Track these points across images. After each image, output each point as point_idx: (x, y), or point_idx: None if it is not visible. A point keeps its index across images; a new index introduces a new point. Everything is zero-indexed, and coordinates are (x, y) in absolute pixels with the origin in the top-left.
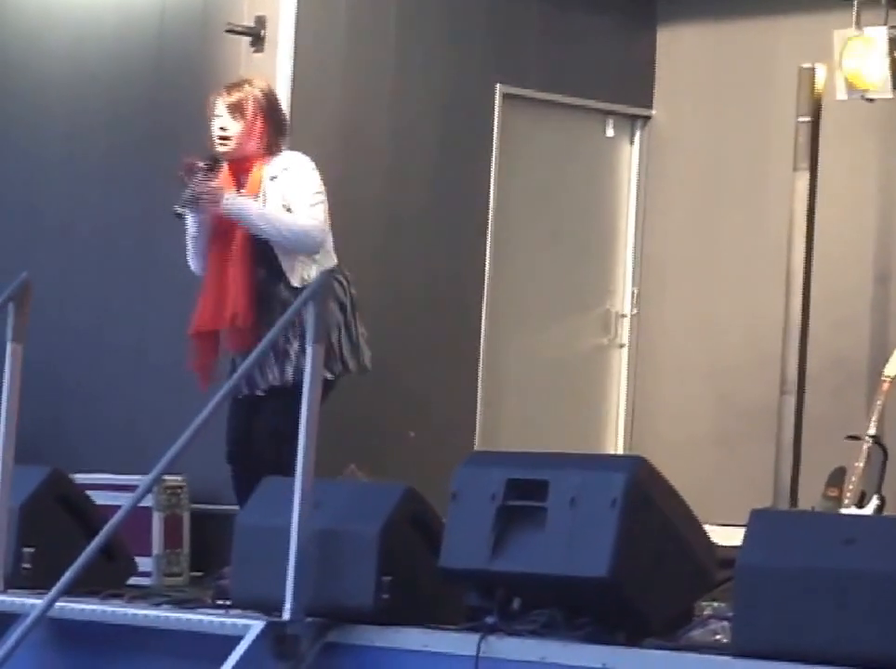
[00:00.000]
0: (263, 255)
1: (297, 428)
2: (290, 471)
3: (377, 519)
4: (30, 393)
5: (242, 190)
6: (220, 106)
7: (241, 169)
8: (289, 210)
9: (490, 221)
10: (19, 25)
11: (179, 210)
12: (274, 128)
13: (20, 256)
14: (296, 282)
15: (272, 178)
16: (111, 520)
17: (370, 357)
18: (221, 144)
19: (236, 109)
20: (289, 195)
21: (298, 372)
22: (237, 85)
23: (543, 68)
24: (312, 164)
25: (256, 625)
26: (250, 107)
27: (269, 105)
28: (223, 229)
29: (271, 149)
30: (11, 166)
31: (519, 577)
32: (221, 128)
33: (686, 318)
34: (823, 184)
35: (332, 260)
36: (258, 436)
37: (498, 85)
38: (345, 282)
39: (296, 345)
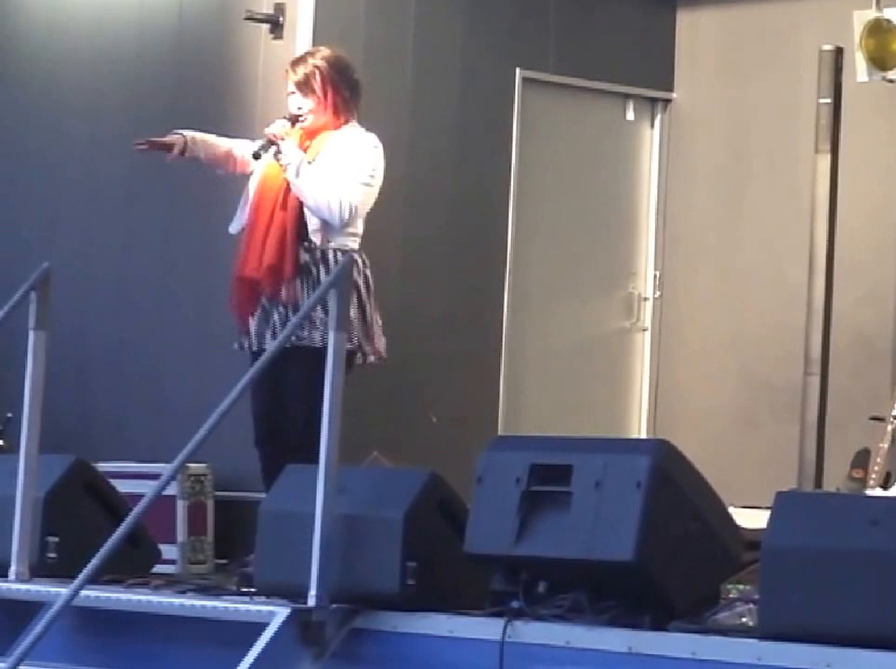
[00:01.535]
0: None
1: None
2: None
3: (402, 505)
4: (53, 381)
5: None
6: (290, 84)
7: (309, 135)
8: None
9: (511, 205)
10: (37, 15)
11: (256, 149)
12: (345, 96)
13: (42, 243)
14: (316, 240)
15: (334, 149)
16: (135, 508)
17: (385, 345)
18: (298, 121)
19: (304, 85)
20: (341, 167)
21: (325, 337)
22: (301, 60)
23: (562, 51)
24: (377, 148)
25: (281, 612)
26: (317, 81)
27: (335, 74)
28: (275, 189)
29: (344, 115)
30: (32, 154)
31: (544, 561)
32: (298, 107)
33: (709, 301)
34: (844, 165)
35: (354, 243)
36: (289, 394)
37: (518, 70)
38: (360, 264)
39: (321, 312)
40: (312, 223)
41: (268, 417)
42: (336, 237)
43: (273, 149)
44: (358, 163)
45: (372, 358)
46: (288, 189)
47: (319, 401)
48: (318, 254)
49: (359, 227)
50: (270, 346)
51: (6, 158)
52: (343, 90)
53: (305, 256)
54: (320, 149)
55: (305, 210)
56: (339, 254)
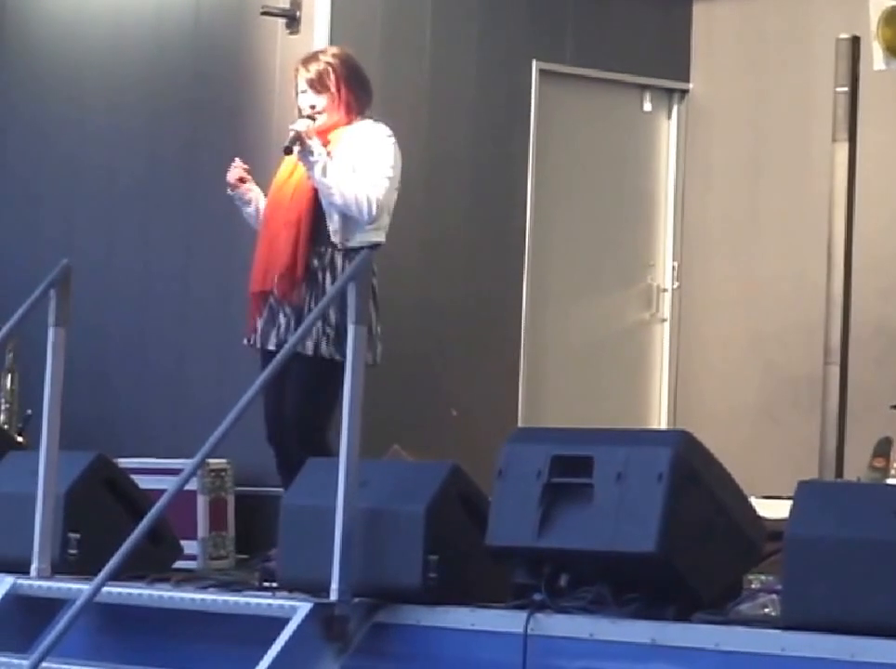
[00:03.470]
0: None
1: (327, 396)
2: (322, 437)
3: (423, 498)
4: (74, 378)
5: None
6: (302, 82)
7: (321, 134)
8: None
9: (528, 197)
10: (57, 14)
11: (287, 144)
12: (357, 94)
13: (62, 239)
14: (335, 240)
15: (349, 144)
16: (156, 504)
17: (381, 352)
18: (312, 119)
19: (318, 83)
20: (359, 163)
21: (330, 345)
22: (313, 58)
23: (579, 43)
24: (392, 138)
25: (303, 607)
26: (331, 79)
27: (348, 72)
28: (288, 192)
29: (356, 113)
30: (52, 150)
31: (566, 553)
32: (311, 106)
33: (727, 291)
34: (862, 154)
35: (379, 237)
36: (290, 397)
37: (535, 61)
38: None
39: (331, 318)
40: (333, 223)
41: (275, 416)
42: (356, 235)
43: (299, 146)
44: (377, 157)
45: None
46: (298, 195)
47: (311, 404)
48: (326, 259)
49: (384, 220)
50: (273, 345)
51: (27, 155)
52: (356, 89)
53: (314, 262)
54: (334, 146)
55: (325, 211)
56: (347, 260)
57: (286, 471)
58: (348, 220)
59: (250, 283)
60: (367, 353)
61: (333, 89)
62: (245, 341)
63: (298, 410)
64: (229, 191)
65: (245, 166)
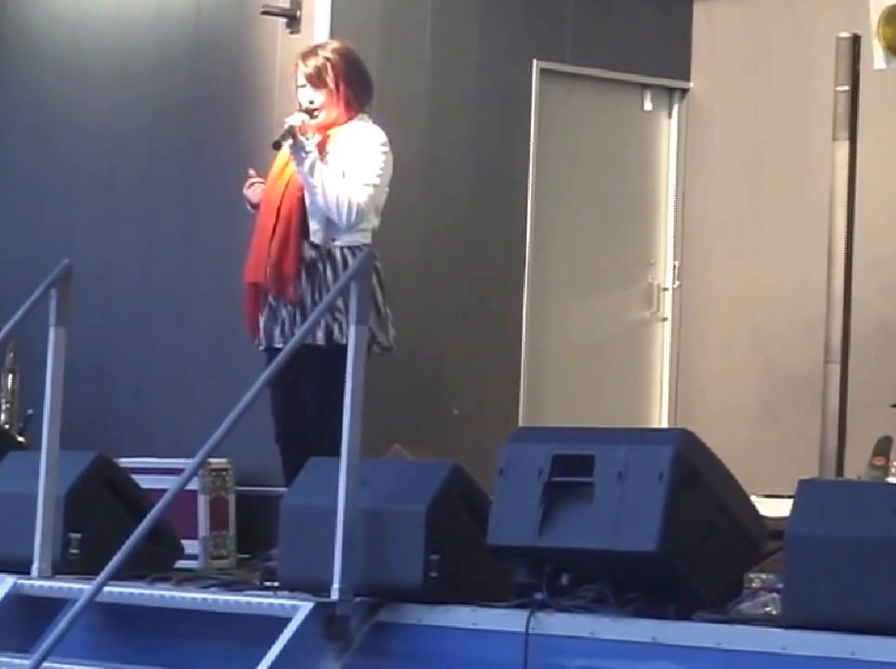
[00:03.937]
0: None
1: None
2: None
3: (425, 498)
4: (75, 378)
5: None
6: (301, 76)
7: (320, 130)
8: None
9: (529, 196)
10: (59, 15)
11: (278, 138)
12: (357, 90)
13: (63, 240)
14: (317, 240)
15: (344, 144)
16: (157, 504)
17: (395, 337)
18: (312, 116)
19: (316, 79)
20: (348, 166)
21: (345, 329)
22: (312, 53)
23: (579, 42)
24: (386, 145)
25: (304, 606)
26: (329, 74)
27: (348, 68)
28: (279, 189)
29: (355, 110)
30: (53, 150)
31: (567, 553)
32: (310, 101)
33: (728, 290)
34: (862, 153)
35: (365, 238)
36: (309, 394)
37: (535, 61)
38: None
39: (339, 303)
40: (313, 224)
41: (286, 413)
42: (341, 235)
43: (291, 140)
44: (365, 164)
45: (384, 345)
46: (291, 189)
47: (333, 395)
48: (324, 250)
49: (371, 222)
50: (279, 343)
51: (28, 155)
52: (355, 84)
53: (311, 253)
54: (332, 144)
55: (308, 209)
56: (347, 250)
57: (293, 471)
58: (330, 221)
59: (243, 274)
60: (382, 335)
61: (331, 85)
62: (253, 341)
63: (324, 408)
64: (250, 209)
65: (261, 180)
